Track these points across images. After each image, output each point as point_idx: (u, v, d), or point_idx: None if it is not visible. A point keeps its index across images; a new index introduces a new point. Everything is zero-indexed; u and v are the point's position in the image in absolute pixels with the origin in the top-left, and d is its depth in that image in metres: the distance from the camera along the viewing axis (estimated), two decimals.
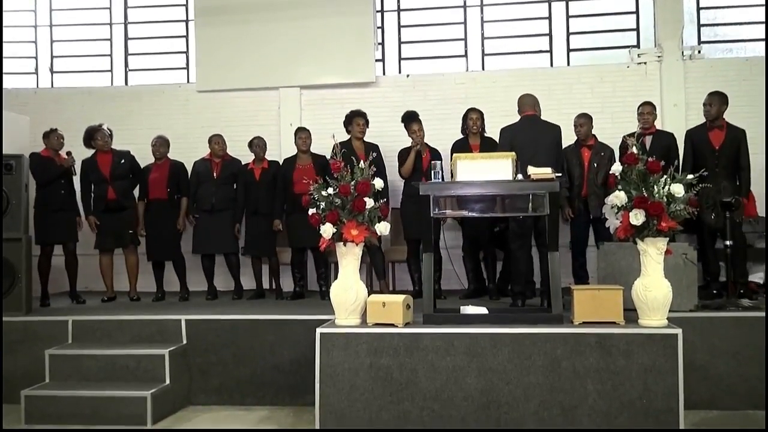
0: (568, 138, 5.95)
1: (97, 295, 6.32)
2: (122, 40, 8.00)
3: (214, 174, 6.30)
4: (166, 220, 6.26)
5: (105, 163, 6.14)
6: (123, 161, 6.20)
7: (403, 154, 6.06)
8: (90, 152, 6.23)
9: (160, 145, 6.38)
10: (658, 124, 6.05)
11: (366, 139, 6.14)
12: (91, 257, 6.32)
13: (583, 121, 5.91)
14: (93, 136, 6.16)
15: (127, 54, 8.00)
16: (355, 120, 6.08)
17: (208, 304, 5.95)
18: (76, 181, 6.13)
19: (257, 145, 6.29)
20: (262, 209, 6.16)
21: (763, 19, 7.16)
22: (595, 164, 5.79)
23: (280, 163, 6.35)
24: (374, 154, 4.74)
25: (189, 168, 6.47)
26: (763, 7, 7.14)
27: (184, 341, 4.90)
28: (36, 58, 8.08)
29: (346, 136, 6.03)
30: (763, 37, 7.17)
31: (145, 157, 6.43)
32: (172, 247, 6.30)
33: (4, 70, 7.78)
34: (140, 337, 4.97)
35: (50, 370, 4.75)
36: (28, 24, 8.08)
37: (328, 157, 4.54)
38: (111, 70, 8.01)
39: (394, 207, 6.20)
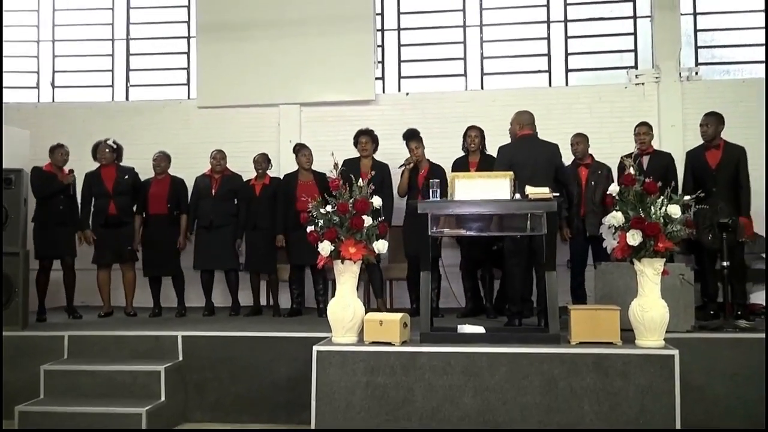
0: (568, 158, 5.99)
1: (93, 310, 6.32)
2: (124, 55, 8.06)
3: (213, 190, 6.33)
4: (164, 235, 6.26)
5: (109, 178, 6.18)
6: (126, 177, 6.24)
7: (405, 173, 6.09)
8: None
9: (161, 159, 6.41)
10: (656, 145, 6.08)
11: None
12: (88, 272, 6.31)
13: (579, 140, 5.96)
14: (96, 149, 6.22)
15: (128, 70, 8.06)
16: (359, 138, 6.13)
17: (204, 320, 5.94)
18: (77, 196, 6.16)
19: (257, 161, 6.33)
20: (261, 225, 6.17)
21: (762, 42, 7.24)
22: (593, 183, 5.82)
23: (281, 179, 6.38)
24: (373, 173, 4.75)
25: (190, 184, 6.50)
26: (762, 30, 7.23)
27: (180, 358, 4.88)
28: (38, 72, 8.14)
29: (346, 154, 6.05)
30: (762, 59, 7.24)
31: (145, 172, 6.45)
32: (171, 262, 6.30)
33: (5, 85, 7.84)
34: (136, 353, 4.96)
35: (45, 385, 4.73)
36: (31, 39, 8.14)
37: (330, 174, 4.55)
38: (112, 86, 8.06)
39: (397, 224, 6.20)
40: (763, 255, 6.18)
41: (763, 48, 7.22)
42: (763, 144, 6.34)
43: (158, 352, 4.92)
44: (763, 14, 7.23)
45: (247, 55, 7.49)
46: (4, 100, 7.58)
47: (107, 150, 6.21)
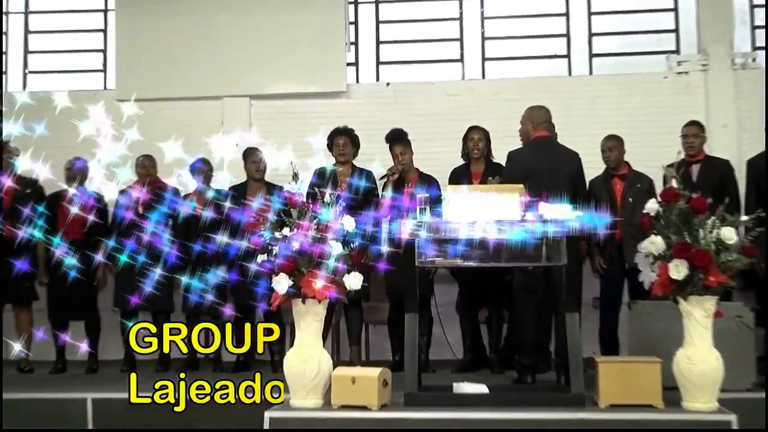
0: (591, 166, 6.00)
1: None
2: (21, 33, 8.02)
3: (139, 206, 6.26)
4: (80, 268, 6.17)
5: (6, 191, 6.07)
6: (29, 191, 6.16)
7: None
8: None
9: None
10: (707, 149, 6.11)
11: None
12: None
13: (612, 144, 5.97)
14: None
15: (27, 52, 8.04)
16: (335, 140, 6.13)
17: (123, 377, 5.82)
18: None
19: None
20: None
21: None
22: (630, 199, 5.81)
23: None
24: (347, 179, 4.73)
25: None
26: None
27: (90, 427, 4.80)
28: None
29: (310, 160, 6.01)
30: None
31: (50, 184, 6.36)
32: (86, 303, 6.25)
33: None
34: (33, 421, 4.83)
35: None
36: None
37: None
38: (5, 72, 7.98)
39: None
40: None
41: None
42: None
43: (61, 421, 4.82)
44: None
45: (182, 34, 7.51)
46: None
47: (14, 156, 6.09)
